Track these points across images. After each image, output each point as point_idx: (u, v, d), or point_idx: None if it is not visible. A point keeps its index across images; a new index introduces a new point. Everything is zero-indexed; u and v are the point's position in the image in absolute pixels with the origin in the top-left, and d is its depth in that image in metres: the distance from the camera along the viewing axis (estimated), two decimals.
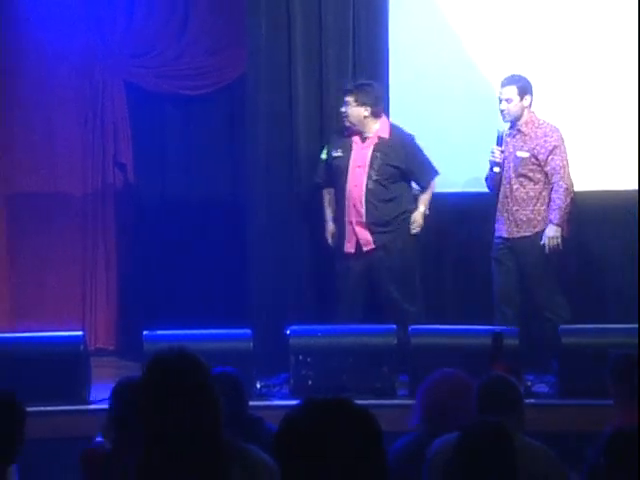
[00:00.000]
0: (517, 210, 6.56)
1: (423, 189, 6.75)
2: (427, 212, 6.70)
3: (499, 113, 6.59)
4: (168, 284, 7.68)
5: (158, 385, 2.61)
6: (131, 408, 3.73)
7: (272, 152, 7.04)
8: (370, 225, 6.63)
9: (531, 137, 6.56)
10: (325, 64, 7.01)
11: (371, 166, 6.64)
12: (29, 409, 3.79)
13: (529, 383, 6.04)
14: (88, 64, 7.72)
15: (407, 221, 6.68)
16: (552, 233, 6.47)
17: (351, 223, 6.65)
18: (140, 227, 7.84)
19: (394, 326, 6.31)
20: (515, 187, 6.57)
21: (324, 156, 6.79)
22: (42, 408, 5.56)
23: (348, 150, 6.69)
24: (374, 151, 6.66)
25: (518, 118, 6.58)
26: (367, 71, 6.99)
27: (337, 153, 6.72)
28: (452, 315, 6.87)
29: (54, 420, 5.77)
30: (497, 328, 6.03)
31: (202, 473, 2.59)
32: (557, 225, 6.48)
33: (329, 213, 6.80)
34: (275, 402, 6.06)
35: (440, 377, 4.00)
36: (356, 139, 6.71)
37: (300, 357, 6.19)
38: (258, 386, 6.26)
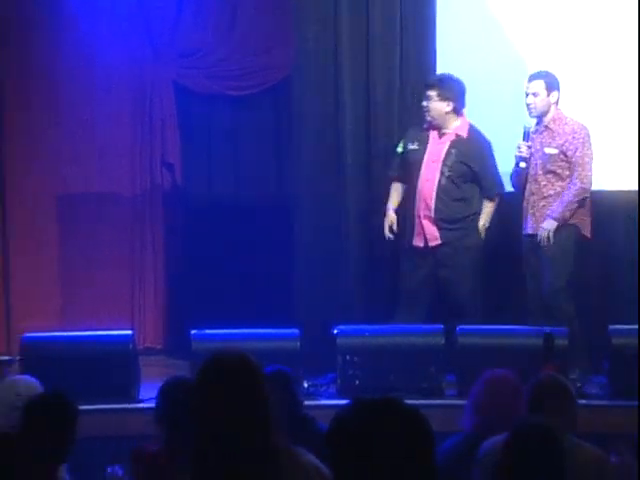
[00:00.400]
0: (544, 206, 6.51)
1: (488, 199, 6.67)
2: (487, 225, 6.64)
3: (525, 108, 6.57)
4: (216, 283, 7.72)
5: (212, 385, 2.62)
6: (179, 407, 3.77)
7: (319, 152, 7.05)
8: (438, 221, 6.60)
9: (559, 133, 6.51)
10: (372, 65, 7.01)
11: (444, 162, 6.61)
12: (79, 407, 3.82)
13: (579, 384, 6.00)
14: (137, 65, 7.77)
15: (475, 222, 6.63)
16: (547, 225, 6.42)
17: (419, 217, 6.63)
18: (188, 227, 7.89)
19: (441, 326, 6.29)
20: (543, 184, 6.52)
21: (400, 149, 6.76)
22: (92, 407, 5.61)
23: (424, 144, 6.67)
24: (450, 147, 6.63)
25: (544, 114, 6.54)
26: (414, 73, 6.98)
27: (413, 146, 6.69)
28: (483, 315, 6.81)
29: (103, 418, 5.82)
30: (547, 329, 5.99)
31: (252, 474, 2.60)
32: (554, 219, 6.43)
33: (392, 203, 6.73)
34: (322, 401, 6.07)
35: (490, 378, 4.00)
36: (434, 134, 6.68)
37: (347, 357, 6.19)
38: (305, 385, 6.26)
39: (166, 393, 3.92)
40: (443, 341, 6.16)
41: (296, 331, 6.30)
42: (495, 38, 7.09)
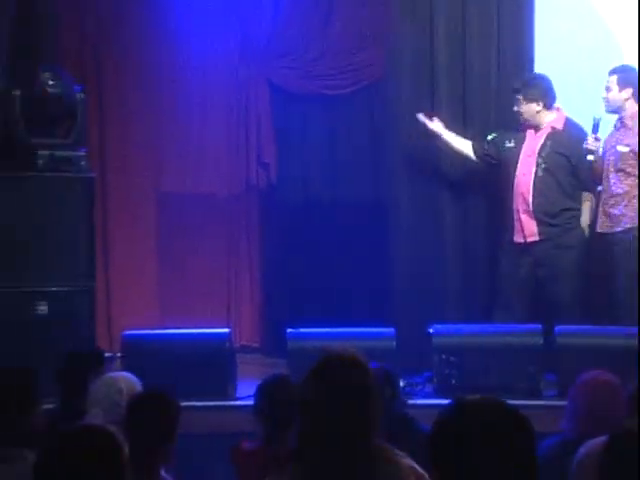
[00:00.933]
0: (613, 205, 6.40)
1: (588, 192, 6.58)
2: (588, 221, 6.55)
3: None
4: (311, 282, 7.74)
5: (324, 382, 2.64)
6: (279, 404, 3.80)
7: (415, 151, 7.04)
8: (537, 215, 6.54)
9: (634, 131, 6.39)
10: (468, 61, 6.96)
11: (539, 154, 6.57)
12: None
13: None
14: (233, 65, 7.85)
15: (577, 218, 6.55)
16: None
17: (518, 212, 6.58)
18: (283, 226, 7.93)
19: (539, 325, 6.22)
20: (612, 182, 6.41)
21: (490, 137, 6.76)
22: (189, 403, 5.69)
23: (521, 142, 6.66)
24: (545, 140, 6.59)
25: (619, 110, 6.44)
26: (511, 68, 6.91)
27: (509, 144, 6.69)
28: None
29: (201, 416, 5.88)
30: None
31: (352, 473, 2.60)
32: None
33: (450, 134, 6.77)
34: (418, 401, 6.04)
35: (588, 380, 3.94)
36: (530, 131, 6.67)
37: (443, 356, 6.16)
38: (402, 384, 6.25)
39: (266, 390, 3.96)
40: (542, 341, 6.10)
41: (392, 330, 6.30)
42: (595, 25, 6.97)
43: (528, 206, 6.55)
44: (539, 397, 6.02)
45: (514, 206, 6.60)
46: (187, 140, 7.86)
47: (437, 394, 6.12)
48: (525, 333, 6.22)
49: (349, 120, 7.86)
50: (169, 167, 7.86)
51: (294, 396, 3.84)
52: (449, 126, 6.92)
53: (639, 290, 6.23)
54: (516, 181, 6.59)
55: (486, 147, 6.78)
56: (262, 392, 3.99)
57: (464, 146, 6.81)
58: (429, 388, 6.27)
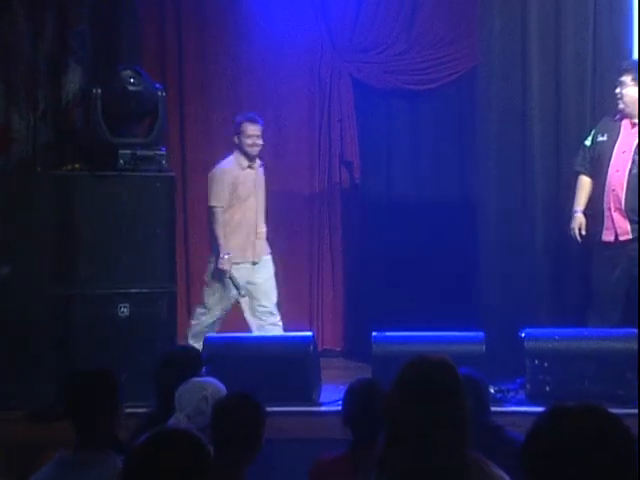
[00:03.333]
0: None
1: None
2: None
3: None
4: (395, 284, 7.73)
5: (416, 388, 2.63)
6: (367, 409, 3.79)
7: (504, 147, 6.95)
8: (629, 213, 6.43)
9: None
10: (562, 51, 6.86)
11: (636, 151, 6.44)
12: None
13: None
14: (316, 60, 7.87)
15: None
16: None
17: (609, 210, 6.48)
18: (367, 226, 7.93)
19: (635, 330, 6.11)
20: None
21: (588, 143, 6.62)
22: (273, 409, 5.72)
23: (615, 135, 6.52)
24: None
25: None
26: (609, 60, 6.81)
27: (602, 137, 6.56)
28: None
29: (284, 421, 5.90)
30: None
31: None
32: None
33: (580, 203, 6.58)
34: (510, 408, 5.97)
35: None
36: (625, 123, 6.53)
37: (536, 361, 6.08)
38: (492, 391, 6.20)
39: (355, 396, 3.95)
40: (637, 346, 5.99)
41: (481, 334, 6.24)
42: None
43: (621, 204, 6.43)
44: (637, 405, 5.92)
45: (605, 204, 6.49)
46: (269, 139, 7.90)
47: (531, 401, 6.03)
48: (620, 337, 6.11)
49: (435, 116, 7.83)
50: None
51: (382, 401, 3.84)
52: (542, 122, 6.84)
53: (639, 293, 6.13)
54: (608, 177, 6.47)
55: (588, 158, 6.64)
56: (351, 397, 3.99)
57: (585, 186, 6.66)
58: (522, 395, 6.19)
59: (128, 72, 6.23)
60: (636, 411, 5.73)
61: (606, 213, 6.50)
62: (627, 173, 6.45)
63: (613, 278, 6.49)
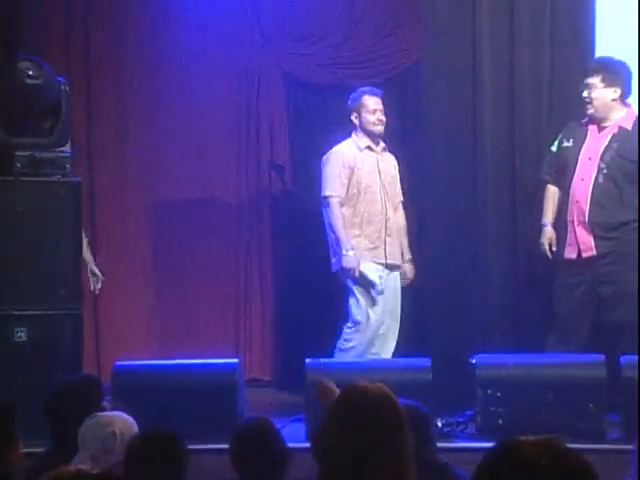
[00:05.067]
0: None
1: None
2: None
3: None
4: (333, 304, 7.75)
5: (348, 420, 2.65)
6: (261, 452, 3.81)
7: (452, 150, 7.03)
8: (593, 227, 6.53)
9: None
10: (517, 46, 6.96)
11: (602, 158, 6.53)
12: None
13: None
14: (242, 51, 7.89)
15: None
16: None
17: (572, 223, 6.57)
18: (300, 239, 7.95)
19: (602, 356, 6.21)
20: None
21: (554, 148, 6.71)
22: (194, 447, 5.70)
23: (581, 140, 6.62)
24: (610, 142, 6.55)
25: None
26: (568, 46, 6.91)
27: (567, 143, 6.65)
28: None
29: (207, 460, 5.89)
30: None
31: None
32: None
33: (548, 216, 6.69)
34: (459, 443, 6.04)
35: None
36: (592, 128, 6.63)
37: (489, 391, 6.15)
38: (439, 424, 6.26)
39: (243, 435, 3.95)
40: (604, 374, 6.09)
41: (427, 360, 6.30)
42: None
43: (584, 217, 6.53)
44: (602, 440, 6.01)
45: (568, 216, 6.60)
46: (188, 138, 7.90)
47: (481, 435, 6.10)
48: (585, 365, 6.20)
49: None
50: (168, 170, 7.90)
51: (277, 442, 3.88)
52: (494, 124, 6.93)
53: (639, 304, 6.24)
54: (572, 187, 6.57)
55: (554, 165, 6.71)
56: (240, 437, 3.98)
57: (552, 196, 6.75)
58: (472, 428, 6.26)
59: (26, 63, 6.19)
60: (601, 446, 5.84)
61: (569, 227, 6.60)
62: (592, 182, 6.54)
63: (576, 298, 6.58)
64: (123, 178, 7.82)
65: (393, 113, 7.84)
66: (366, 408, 2.68)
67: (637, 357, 5.96)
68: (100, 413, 4.11)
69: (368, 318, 6.74)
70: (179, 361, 6.58)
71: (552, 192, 6.74)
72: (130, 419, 4.07)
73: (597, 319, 6.59)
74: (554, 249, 6.65)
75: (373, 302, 6.73)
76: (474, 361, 6.31)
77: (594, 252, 6.53)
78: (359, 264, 6.68)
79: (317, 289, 7.78)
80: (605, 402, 6.09)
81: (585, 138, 6.63)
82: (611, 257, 6.52)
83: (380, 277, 6.76)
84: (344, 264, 6.68)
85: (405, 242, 6.95)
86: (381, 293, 6.73)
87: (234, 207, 7.98)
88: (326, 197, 6.77)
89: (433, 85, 7.04)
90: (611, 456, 5.42)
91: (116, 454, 3.80)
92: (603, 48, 6.92)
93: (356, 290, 6.74)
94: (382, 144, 6.86)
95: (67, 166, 6.33)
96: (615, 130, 6.58)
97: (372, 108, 6.80)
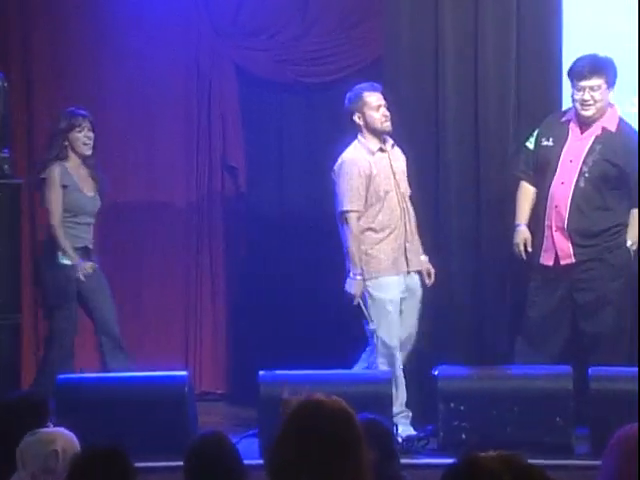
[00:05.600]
0: None
1: (635, 207, 6.54)
2: (637, 241, 6.51)
3: None
4: (289, 314, 7.75)
5: (304, 436, 2.65)
6: (218, 470, 3.80)
7: (414, 151, 7.03)
8: (572, 233, 6.52)
9: None
10: (482, 43, 6.98)
11: (585, 161, 6.53)
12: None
13: None
14: (192, 45, 7.86)
15: (621, 237, 6.52)
16: None
17: (550, 228, 6.57)
18: (254, 244, 7.93)
19: (569, 367, 6.24)
20: None
21: (531, 145, 6.68)
22: (141, 464, 5.68)
23: (562, 140, 6.60)
24: (593, 144, 6.55)
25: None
26: (535, 44, 6.95)
27: (547, 142, 6.63)
28: None
29: (151, 478, 5.88)
30: None
31: None
32: None
33: (523, 215, 6.66)
34: (421, 460, 6.07)
35: (625, 436, 3.93)
36: (574, 128, 6.62)
37: (451, 404, 6.18)
38: (399, 439, 6.28)
39: (198, 451, 3.95)
40: (571, 386, 6.12)
41: (387, 372, 6.32)
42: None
43: (563, 223, 6.53)
44: (570, 455, 6.05)
45: (546, 220, 6.59)
46: (135, 138, 7.86)
47: (444, 451, 6.13)
48: (552, 376, 6.24)
49: (334, 114, 7.86)
50: (112, 171, 7.85)
51: (234, 459, 3.87)
52: (457, 119, 6.94)
53: (639, 314, 6.27)
54: (552, 190, 6.56)
55: (531, 163, 6.67)
56: (195, 453, 3.97)
57: (527, 194, 6.71)
58: (434, 444, 6.28)
59: None
60: (569, 462, 5.87)
61: (546, 232, 6.59)
62: (573, 186, 6.54)
63: (551, 304, 6.59)
64: None
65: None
66: (321, 423, 2.68)
67: (611, 368, 5.98)
68: (41, 429, 4.08)
69: (387, 345, 6.52)
70: (125, 374, 6.56)
71: (528, 190, 6.71)
72: (73, 436, 4.05)
73: (572, 327, 6.59)
74: (529, 249, 6.63)
75: (389, 327, 6.52)
76: (436, 373, 6.33)
77: (572, 260, 6.54)
78: (361, 292, 6.51)
79: (272, 298, 7.77)
80: (573, 415, 6.12)
81: (567, 138, 6.62)
82: (590, 264, 6.53)
83: (402, 290, 6.58)
84: (347, 287, 6.54)
85: (418, 239, 6.73)
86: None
87: (183, 211, 7.94)
88: (343, 212, 6.51)
89: (393, 85, 7.05)
90: (579, 472, 5.47)
91: (58, 473, 3.78)
92: (571, 46, 6.96)
93: (376, 309, 6.54)
94: (390, 140, 6.63)
95: (6, 167, 6.29)
96: (599, 131, 6.57)
97: (375, 105, 6.54)
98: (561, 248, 6.55)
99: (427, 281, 6.65)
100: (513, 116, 7.01)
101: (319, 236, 7.72)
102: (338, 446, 2.67)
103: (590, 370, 6.19)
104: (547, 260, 6.58)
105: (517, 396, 6.18)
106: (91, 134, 6.84)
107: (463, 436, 6.15)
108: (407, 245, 6.59)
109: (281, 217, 7.93)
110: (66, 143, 6.79)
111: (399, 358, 6.51)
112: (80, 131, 6.79)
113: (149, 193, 7.82)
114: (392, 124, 6.63)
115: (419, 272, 6.65)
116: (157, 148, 7.92)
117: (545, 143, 6.64)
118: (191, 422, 6.23)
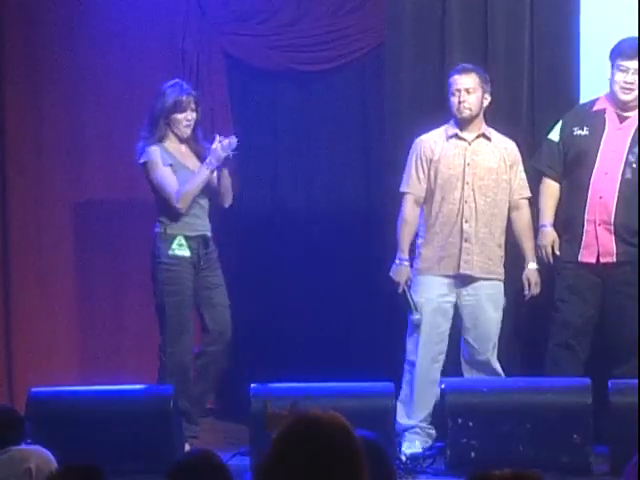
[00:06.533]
0: None
1: None
2: None
3: None
4: (283, 322, 7.74)
5: (291, 456, 2.65)
6: None
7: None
8: (618, 229, 6.51)
9: None
10: (491, 27, 7.01)
11: (631, 150, 6.55)
12: None
13: None
14: (178, 30, 7.86)
15: None
16: None
17: (593, 222, 6.57)
18: (245, 245, 7.93)
19: (588, 380, 6.24)
20: None
21: (556, 137, 6.69)
22: None
23: (600, 129, 6.62)
24: (638, 131, 6.56)
25: None
26: (549, 30, 6.97)
27: (581, 131, 6.64)
28: None
29: None
30: None
31: None
32: None
33: (550, 211, 6.66)
34: None
35: None
36: (610, 116, 6.64)
37: (460, 420, 6.18)
38: (403, 458, 6.28)
39: (188, 470, 3.95)
40: (590, 400, 6.12)
41: (390, 385, 6.32)
42: None
43: (609, 216, 6.52)
44: (588, 475, 6.05)
45: (586, 214, 6.57)
46: (116, 132, 7.86)
47: (451, 471, 6.13)
48: (569, 390, 6.24)
49: (332, 105, 7.89)
50: (91, 166, 7.86)
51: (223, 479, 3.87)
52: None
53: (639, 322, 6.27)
54: (592, 183, 6.57)
55: (558, 157, 6.67)
56: (185, 473, 3.98)
57: (553, 192, 6.73)
58: (441, 463, 6.29)
59: None
60: None
61: (587, 227, 6.59)
62: (619, 177, 6.54)
63: (587, 312, 6.58)
64: (38, 176, 7.75)
65: (351, 105, 7.87)
66: (318, 440, 2.69)
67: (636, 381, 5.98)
68: (14, 447, 4.09)
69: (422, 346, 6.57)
70: (105, 387, 6.56)
71: (554, 188, 6.73)
72: (48, 453, 4.06)
73: (599, 332, 6.58)
74: (557, 252, 6.64)
75: (436, 326, 6.58)
76: (443, 386, 6.33)
77: (613, 259, 6.54)
78: (408, 280, 6.57)
79: (266, 303, 7.76)
80: (591, 432, 6.12)
81: (604, 127, 6.63)
82: (629, 266, 6.52)
83: (442, 294, 6.60)
84: (391, 273, 6.62)
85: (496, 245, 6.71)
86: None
87: None
88: (402, 194, 6.71)
89: (395, 75, 7.07)
90: None
91: None
92: (589, 30, 6.98)
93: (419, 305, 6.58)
94: (482, 130, 6.70)
95: None
96: (638, 120, 6.58)
97: (455, 88, 6.60)
98: (603, 244, 6.56)
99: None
100: (526, 107, 7.02)
101: (316, 234, 7.74)
102: (336, 465, 2.67)
103: (610, 383, 6.19)
104: (588, 257, 6.59)
105: (530, 411, 6.18)
106: (194, 115, 6.73)
107: (472, 454, 6.15)
108: (465, 246, 6.57)
109: (273, 215, 7.93)
110: (166, 122, 6.71)
111: (425, 368, 6.54)
112: (182, 111, 6.70)
113: (132, 190, 7.80)
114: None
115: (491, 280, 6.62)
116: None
117: (578, 132, 6.65)
118: (177, 439, 6.24)
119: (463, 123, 6.61)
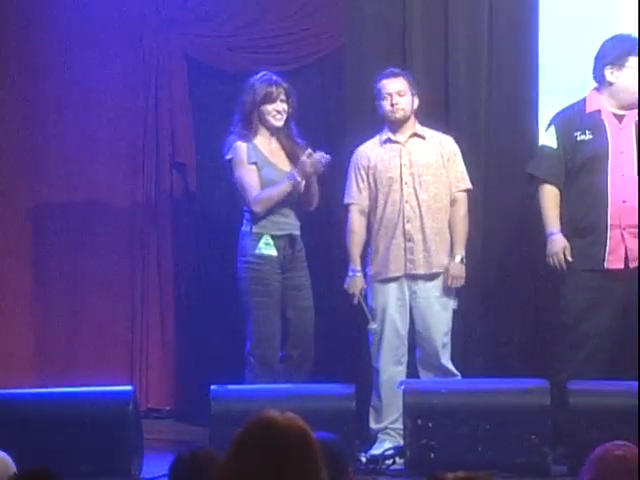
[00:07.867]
0: None
1: None
2: None
3: None
4: (241, 322, 7.75)
5: (248, 458, 2.66)
6: None
7: None
8: None
9: None
10: (452, 29, 7.04)
11: None
12: None
13: None
14: (136, 31, 7.86)
15: None
16: None
17: (618, 227, 6.53)
18: (205, 247, 7.93)
19: (545, 381, 6.27)
20: None
21: (553, 143, 6.63)
22: None
23: (600, 131, 6.59)
24: (638, 130, 6.55)
25: None
26: (509, 32, 7.01)
27: (584, 136, 6.59)
28: None
29: None
30: None
31: None
32: None
33: (557, 219, 6.61)
34: None
35: (604, 455, 3.97)
36: (609, 117, 6.62)
37: (419, 421, 6.20)
38: (363, 459, 6.30)
39: (181, 469, 3.97)
40: (548, 401, 6.15)
41: (351, 387, 6.33)
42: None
43: (635, 218, 6.44)
44: (545, 476, 6.09)
45: (609, 219, 6.50)
46: (75, 133, 7.85)
47: (410, 472, 6.15)
48: (527, 391, 6.27)
49: (292, 107, 7.90)
50: (49, 169, 7.84)
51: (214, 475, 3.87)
52: (429, 103, 6.97)
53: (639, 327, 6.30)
54: (610, 186, 6.52)
55: (559, 163, 6.60)
56: (178, 471, 4.00)
57: (554, 197, 6.66)
58: (400, 464, 6.31)
59: None
60: None
61: (610, 232, 6.54)
62: (638, 178, 6.45)
63: (606, 317, 6.52)
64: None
65: (311, 106, 7.88)
66: (275, 441, 2.70)
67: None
68: None
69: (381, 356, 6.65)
70: (63, 389, 6.54)
71: (554, 195, 6.66)
72: (7, 458, 4.05)
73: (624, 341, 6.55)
74: (570, 259, 6.58)
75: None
76: (402, 387, 6.35)
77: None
78: (362, 290, 6.64)
79: (224, 307, 7.75)
80: (550, 433, 6.16)
81: (604, 129, 6.60)
82: None
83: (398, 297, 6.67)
84: (345, 285, 6.70)
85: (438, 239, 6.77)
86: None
87: (128, 212, 7.93)
88: (345, 205, 6.79)
89: (356, 76, 7.08)
90: None
91: None
92: (546, 32, 7.04)
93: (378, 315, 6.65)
94: (416, 129, 6.77)
95: None
96: (636, 117, 6.56)
97: (385, 91, 6.68)
98: (631, 248, 6.51)
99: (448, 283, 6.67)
100: (485, 109, 7.06)
101: None
102: (293, 466, 2.68)
103: (568, 384, 6.23)
104: (615, 263, 6.53)
105: (489, 412, 6.20)
106: (284, 106, 6.70)
107: (432, 455, 6.16)
108: (408, 245, 6.63)
109: (233, 217, 7.92)
110: (256, 116, 6.68)
111: (388, 372, 6.59)
112: (272, 102, 6.66)
113: (88, 192, 7.80)
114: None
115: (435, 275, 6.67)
116: (99, 144, 7.90)
117: (582, 137, 6.59)
118: (136, 442, 6.23)
119: (396, 126, 6.70)
